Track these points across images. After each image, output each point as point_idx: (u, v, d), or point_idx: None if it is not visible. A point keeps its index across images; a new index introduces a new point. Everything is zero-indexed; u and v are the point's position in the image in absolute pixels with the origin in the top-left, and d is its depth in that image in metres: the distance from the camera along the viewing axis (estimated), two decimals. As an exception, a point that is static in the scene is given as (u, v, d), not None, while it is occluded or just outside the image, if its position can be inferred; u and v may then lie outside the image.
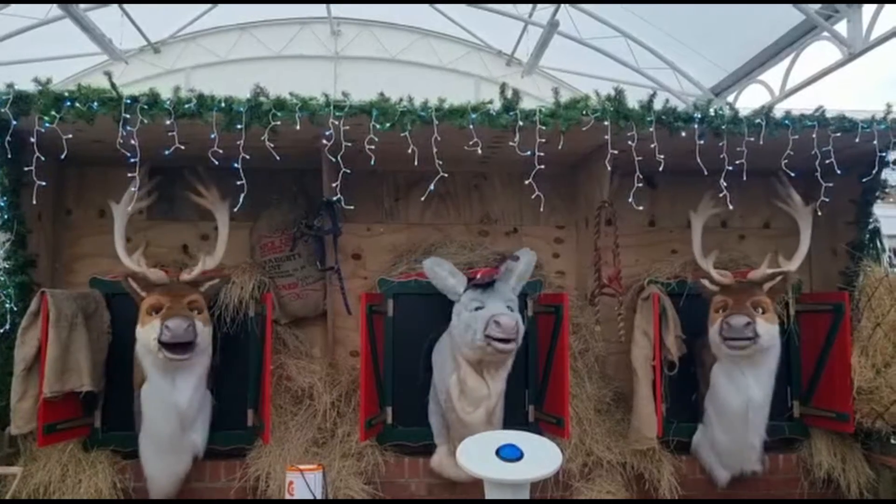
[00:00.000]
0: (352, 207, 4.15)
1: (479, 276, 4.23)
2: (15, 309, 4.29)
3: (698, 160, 4.09)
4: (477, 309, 4.10)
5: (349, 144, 3.93)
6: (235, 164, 3.80)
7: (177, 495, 4.36)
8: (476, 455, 3.36)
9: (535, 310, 4.79)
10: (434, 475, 4.57)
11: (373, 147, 3.88)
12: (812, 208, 4.48)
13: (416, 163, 3.91)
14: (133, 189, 4.04)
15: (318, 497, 3.03)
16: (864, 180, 4.55)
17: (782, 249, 4.69)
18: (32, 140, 3.73)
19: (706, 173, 4.11)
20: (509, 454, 3.32)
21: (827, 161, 4.15)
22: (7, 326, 4.29)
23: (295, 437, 4.53)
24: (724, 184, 4.14)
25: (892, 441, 4.61)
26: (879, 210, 5.07)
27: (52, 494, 4.16)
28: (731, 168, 4.14)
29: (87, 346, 4.22)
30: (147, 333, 3.90)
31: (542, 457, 3.37)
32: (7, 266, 4.30)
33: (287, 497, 3.16)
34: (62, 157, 3.87)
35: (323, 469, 3.31)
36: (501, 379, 4.25)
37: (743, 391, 4.31)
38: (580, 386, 4.76)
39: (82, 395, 4.25)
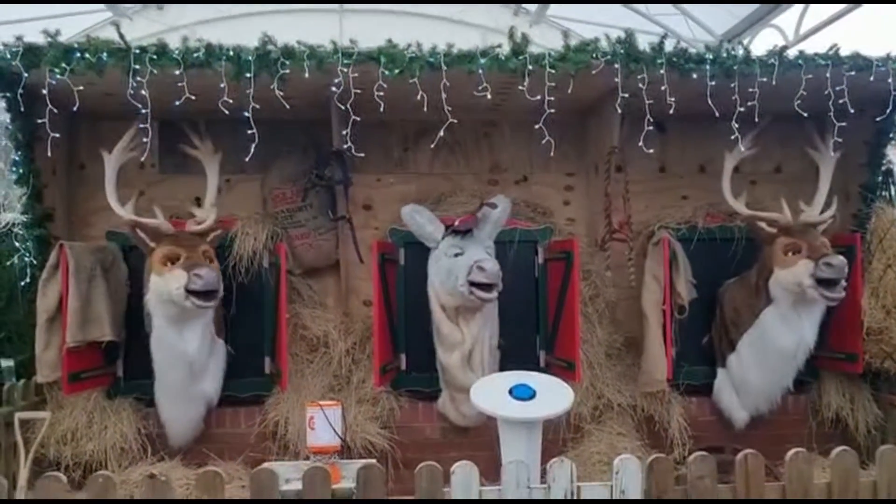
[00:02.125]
0: (362, 155, 4.15)
1: (457, 222, 4.28)
2: (34, 262, 4.37)
3: (710, 102, 4.06)
4: (456, 255, 4.16)
5: (358, 92, 3.92)
6: (246, 114, 3.81)
7: (195, 441, 4.50)
8: (489, 394, 3.44)
9: (546, 256, 4.82)
10: (446, 420, 4.67)
11: (381, 94, 3.88)
12: (837, 155, 4.47)
13: (425, 109, 3.90)
14: (144, 140, 4.05)
15: (339, 431, 3.13)
16: (877, 120, 4.50)
17: (794, 194, 4.69)
18: (44, 92, 3.75)
19: (717, 115, 4.08)
20: (522, 393, 3.40)
21: (840, 101, 4.10)
22: (27, 279, 4.38)
23: (311, 384, 4.63)
24: (737, 126, 4.12)
25: (901, 381, 4.66)
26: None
27: (79, 440, 4.30)
28: (742, 109, 4.09)
29: (106, 297, 4.32)
30: (167, 282, 3.93)
31: (554, 396, 3.45)
32: (25, 220, 4.37)
33: (308, 431, 3.26)
34: (74, 109, 3.88)
35: (342, 405, 3.41)
36: (477, 324, 4.28)
37: (797, 333, 4.37)
38: (591, 331, 4.82)
39: (104, 345, 4.36)
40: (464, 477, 2.63)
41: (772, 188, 5.14)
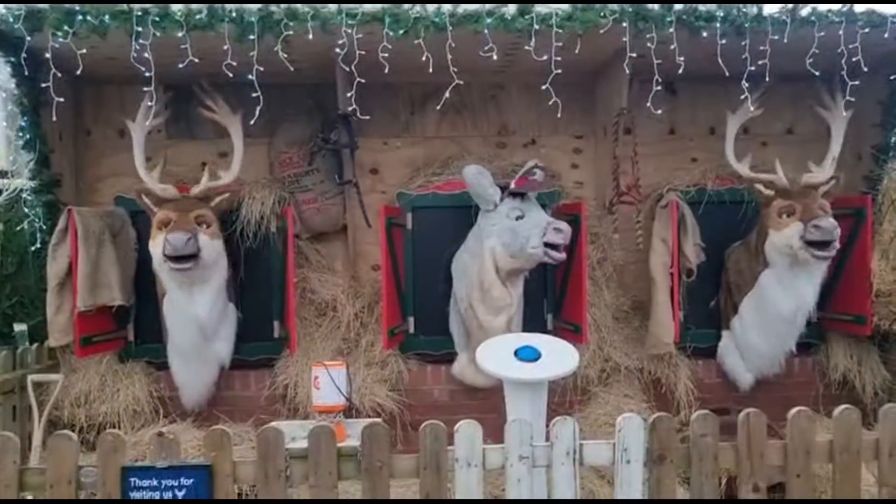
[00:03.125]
0: (367, 118, 4.13)
1: (513, 185, 4.28)
2: (44, 227, 4.41)
3: (720, 61, 3.99)
4: (518, 218, 4.16)
5: (363, 53, 3.88)
6: (250, 76, 3.79)
7: (208, 403, 4.56)
8: (495, 356, 3.47)
9: (554, 219, 4.80)
10: (455, 382, 4.71)
11: (386, 55, 3.84)
12: (849, 114, 4.43)
13: (430, 70, 3.86)
14: (149, 104, 4.04)
15: (343, 390, 3.17)
16: (892, 78, 4.41)
17: (807, 155, 4.63)
18: (47, 56, 3.74)
19: (728, 75, 4.01)
20: (527, 355, 3.42)
21: (854, 59, 4.01)
22: (38, 245, 4.42)
23: (320, 348, 4.67)
24: (747, 85, 4.05)
25: (909, 343, 4.64)
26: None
27: (92, 403, 4.38)
28: (752, 69, 4.02)
29: (115, 262, 4.36)
30: (155, 248, 4.00)
31: (559, 357, 3.46)
32: (33, 185, 4.40)
33: (313, 391, 3.31)
34: (77, 73, 3.88)
35: (347, 366, 3.45)
36: (520, 286, 4.36)
37: (795, 296, 4.35)
38: (598, 294, 4.82)
39: (114, 309, 4.42)
40: (467, 435, 2.65)
41: (783, 149, 5.06)
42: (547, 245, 4.04)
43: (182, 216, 4.05)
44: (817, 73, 4.08)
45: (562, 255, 4.08)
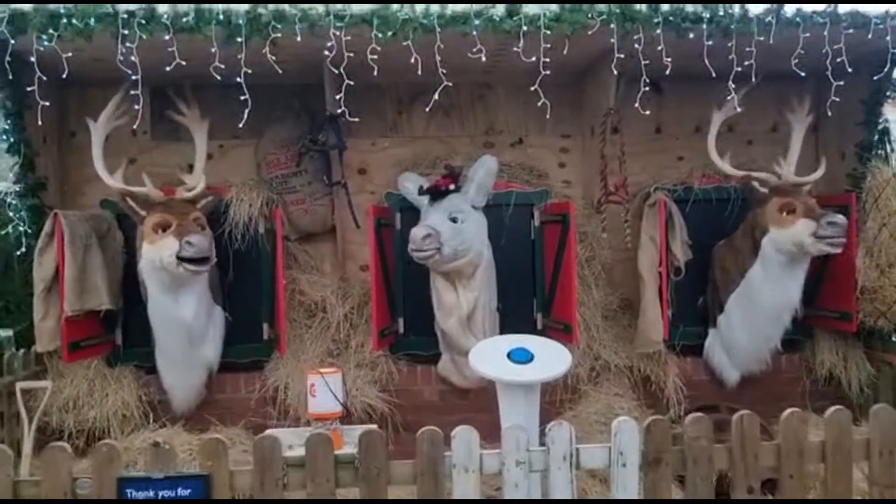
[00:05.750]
0: (356, 120, 4.13)
1: (424, 187, 4.31)
2: (29, 231, 4.35)
3: (706, 62, 4.02)
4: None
5: (351, 55, 3.87)
6: (238, 79, 3.76)
7: (198, 406, 4.54)
8: (488, 358, 3.47)
9: (542, 219, 4.82)
10: (445, 382, 4.72)
11: (374, 57, 3.83)
12: (812, 119, 4.59)
13: (419, 72, 3.86)
14: (133, 105, 3.99)
15: (340, 398, 3.17)
16: (875, 78, 4.47)
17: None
18: (32, 59, 3.69)
19: (714, 75, 4.04)
20: (520, 357, 3.42)
21: (838, 59, 4.06)
22: (23, 249, 4.37)
23: (310, 349, 4.66)
24: (733, 86, 4.08)
25: (894, 339, 4.71)
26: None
27: (81, 408, 4.34)
28: (739, 69, 4.06)
29: (102, 265, 4.32)
30: (159, 250, 3.91)
31: (552, 359, 3.47)
32: (18, 189, 4.34)
33: (309, 398, 3.30)
34: (63, 76, 3.82)
35: (342, 372, 3.45)
36: (474, 289, 4.29)
37: (783, 292, 4.41)
38: (587, 293, 4.85)
39: (102, 313, 4.37)
40: (464, 441, 2.66)
41: (768, 148, 5.13)
42: (415, 251, 4.02)
43: (183, 219, 4.00)
44: (803, 74, 4.12)
45: (418, 255, 4.02)
